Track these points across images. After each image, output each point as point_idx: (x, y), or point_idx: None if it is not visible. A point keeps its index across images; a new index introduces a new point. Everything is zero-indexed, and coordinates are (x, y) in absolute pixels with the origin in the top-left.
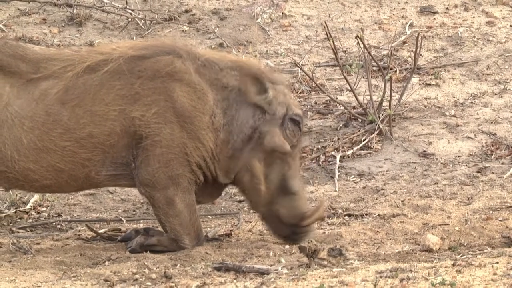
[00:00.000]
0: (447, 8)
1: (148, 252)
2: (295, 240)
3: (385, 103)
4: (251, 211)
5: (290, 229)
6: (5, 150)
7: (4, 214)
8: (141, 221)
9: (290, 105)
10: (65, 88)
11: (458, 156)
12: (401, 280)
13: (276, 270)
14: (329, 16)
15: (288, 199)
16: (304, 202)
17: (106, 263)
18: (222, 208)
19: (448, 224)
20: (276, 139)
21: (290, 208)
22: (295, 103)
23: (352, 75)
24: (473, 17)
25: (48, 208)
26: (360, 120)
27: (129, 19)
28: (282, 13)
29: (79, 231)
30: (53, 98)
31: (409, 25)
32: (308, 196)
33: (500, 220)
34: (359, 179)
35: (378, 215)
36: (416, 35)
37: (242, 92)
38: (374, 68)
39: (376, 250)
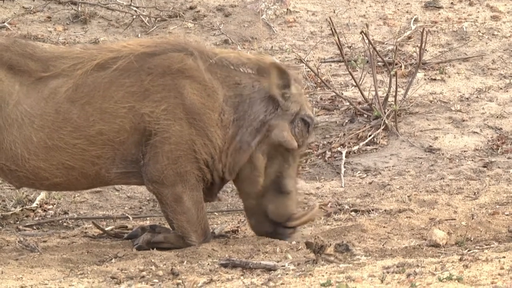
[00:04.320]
0: (451, 2)
1: (154, 249)
2: (275, 238)
3: (390, 99)
4: None
5: (273, 226)
6: (15, 149)
7: (11, 212)
8: (148, 218)
9: (303, 105)
10: (75, 86)
11: (464, 151)
12: (408, 275)
13: (283, 266)
14: (334, 12)
15: (280, 197)
16: (294, 204)
17: (113, 260)
18: (229, 205)
19: (454, 219)
20: (285, 133)
21: (279, 206)
22: (308, 105)
23: (357, 70)
24: (478, 11)
25: (55, 206)
26: (365, 115)
27: (134, 17)
28: (287, 9)
29: (86, 228)
30: (63, 96)
31: (414, 20)
32: (314, 192)
33: (507, 215)
34: (365, 175)
35: (385, 210)
36: (421, 30)
37: (256, 89)
38: (379, 63)
39: (382, 245)
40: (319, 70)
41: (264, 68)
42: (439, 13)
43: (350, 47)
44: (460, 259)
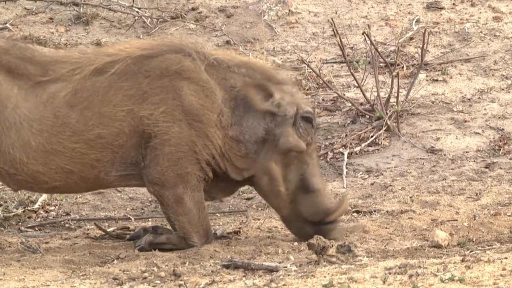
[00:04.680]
0: (453, 3)
1: (157, 250)
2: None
3: (392, 99)
4: (260, 209)
5: (315, 228)
6: (14, 152)
7: (13, 214)
8: (150, 219)
9: (299, 104)
10: (74, 91)
11: (466, 152)
12: (410, 276)
13: (285, 267)
14: (336, 13)
15: (311, 197)
16: (327, 198)
17: (115, 261)
18: (231, 206)
19: (456, 220)
20: (291, 139)
21: (313, 206)
22: (304, 101)
23: (359, 71)
24: (480, 12)
25: (57, 207)
26: (367, 116)
27: (136, 18)
28: (289, 10)
29: (88, 229)
30: (62, 101)
31: (415, 21)
32: None
33: (509, 216)
34: (367, 176)
35: (387, 211)
36: (423, 31)
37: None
38: (381, 64)
39: (384, 246)
40: (321, 71)
41: (251, 79)
42: (441, 14)
43: (352, 48)
44: (462, 260)
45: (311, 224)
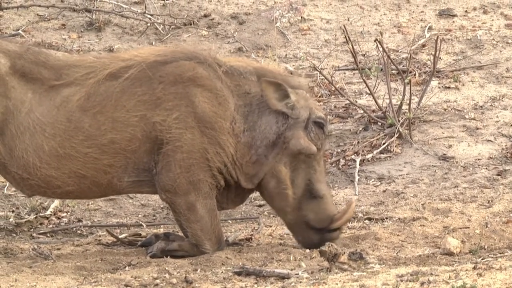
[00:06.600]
0: (466, 11)
1: (168, 257)
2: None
3: (404, 107)
4: (271, 216)
5: (318, 235)
6: (27, 157)
7: (25, 220)
8: (162, 226)
9: (312, 109)
10: (87, 95)
11: (478, 159)
12: (422, 283)
13: (296, 274)
14: (348, 20)
15: (316, 203)
16: (332, 205)
17: (127, 268)
18: (242, 213)
19: (468, 227)
20: (302, 141)
21: (318, 212)
22: (317, 107)
23: (371, 78)
24: (492, 19)
25: (69, 213)
26: (379, 123)
27: (148, 24)
28: (301, 17)
29: (100, 236)
30: (75, 105)
31: (428, 28)
32: None
33: None
34: (379, 183)
35: (399, 218)
36: (435, 38)
37: (264, 98)
38: (393, 71)
39: (396, 253)
40: (333, 78)
41: (268, 77)
42: (453, 21)
43: (364, 55)
44: (474, 268)
45: (315, 231)
